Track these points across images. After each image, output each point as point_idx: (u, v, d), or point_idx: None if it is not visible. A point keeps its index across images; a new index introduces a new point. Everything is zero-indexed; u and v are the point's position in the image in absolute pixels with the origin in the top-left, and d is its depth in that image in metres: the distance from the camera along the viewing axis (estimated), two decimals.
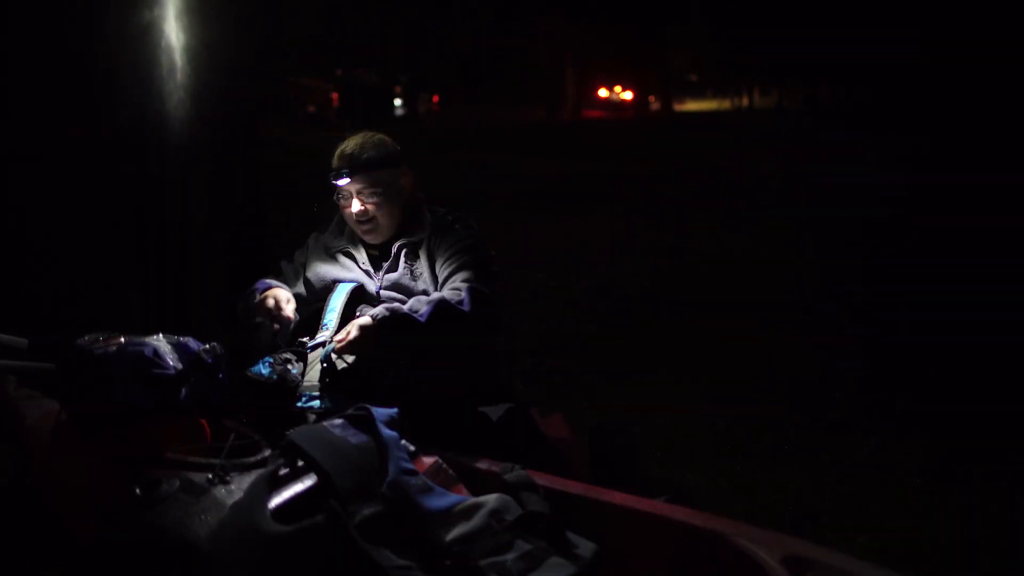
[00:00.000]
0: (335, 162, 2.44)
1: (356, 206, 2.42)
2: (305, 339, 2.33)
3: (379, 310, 2.26)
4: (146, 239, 3.57)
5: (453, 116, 27.24)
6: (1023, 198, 7.51)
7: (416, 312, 2.25)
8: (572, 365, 4.14)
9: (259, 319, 2.32)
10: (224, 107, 3.50)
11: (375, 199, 2.42)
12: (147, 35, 3.30)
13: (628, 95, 38.04)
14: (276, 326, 2.32)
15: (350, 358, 2.22)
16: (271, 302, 2.32)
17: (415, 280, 2.44)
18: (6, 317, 2.98)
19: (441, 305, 2.24)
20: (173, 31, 3.32)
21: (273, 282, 2.49)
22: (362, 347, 2.18)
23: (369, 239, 2.49)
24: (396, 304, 2.31)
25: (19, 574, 2.22)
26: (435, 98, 29.43)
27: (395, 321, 2.22)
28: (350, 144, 2.45)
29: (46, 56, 3.47)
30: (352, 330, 2.18)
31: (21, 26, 3.47)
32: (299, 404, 2.14)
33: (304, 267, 2.58)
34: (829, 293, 5.31)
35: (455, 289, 2.32)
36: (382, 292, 2.44)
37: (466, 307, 2.26)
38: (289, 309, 2.34)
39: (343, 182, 2.41)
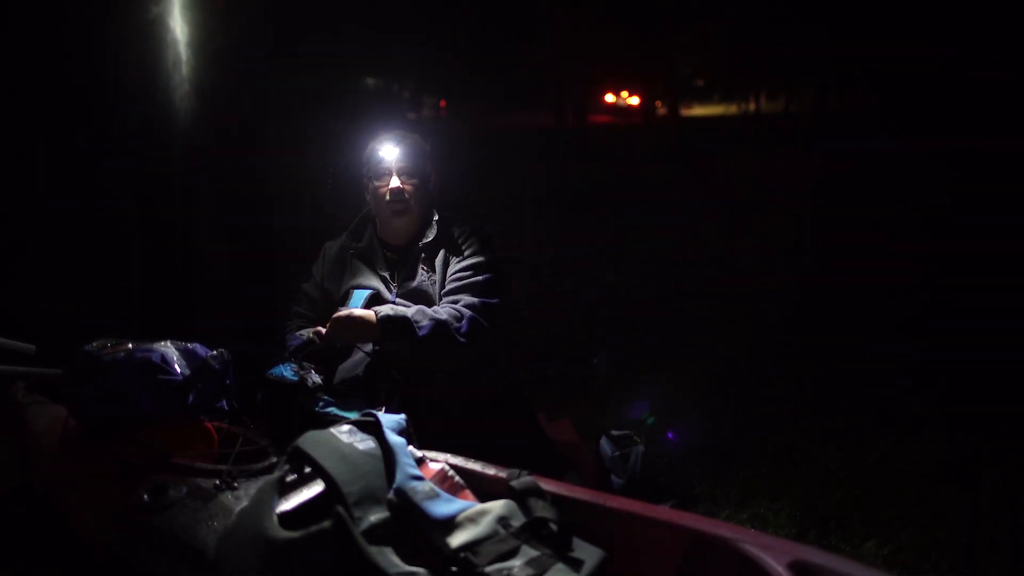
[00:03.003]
0: (378, 143, 2.52)
1: (395, 182, 2.47)
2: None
3: (384, 308, 2.28)
4: (151, 243, 3.57)
5: (460, 121, 27.27)
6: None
7: (418, 324, 2.26)
8: (579, 371, 4.13)
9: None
10: (230, 107, 3.51)
11: (414, 181, 2.49)
12: (151, 35, 3.30)
13: (635, 100, 38.07)
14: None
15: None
16: (311, 335, 2.36)
17: (431, 288, 2.45)
18: (14, 323, 2.99)
19: (442, 327, 2.26)
20: (178, 26, 3.32)
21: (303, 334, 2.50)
22: (350, 334, 2.25)
23: (396, 222, 2.51)
24: (401, 307, 2.32)
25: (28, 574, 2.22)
26: (442, 103, 29.50)
27: (395, 322, 2.24)
28: (395, 131, 2.55)
29: (50, 56, 3.48)
30: (347, 314, 2.25)
31: (25, 26, 3.48)
32: (316, 408, 2.15)
33: (323, 279, 2.60)
34: (836, 298, 5.29)
35: (457, 313, 2.32)
36: (398, 300, 2.45)
37: (463, 337, 2.28)
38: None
39: (392, 153, 2.48)
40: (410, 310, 2.31)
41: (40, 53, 3.47)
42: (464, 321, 2.29)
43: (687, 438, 3.18)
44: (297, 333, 2.50)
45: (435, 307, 2.37)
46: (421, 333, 2.23)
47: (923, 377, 3.87)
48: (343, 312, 2.27)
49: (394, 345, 2.26)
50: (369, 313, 2.26)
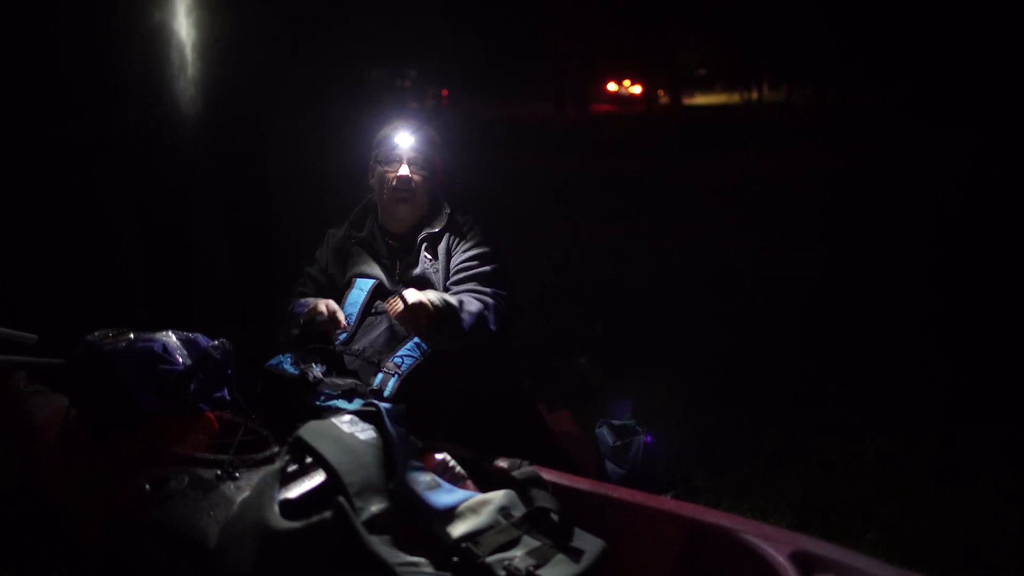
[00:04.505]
0: (393, 130, 2.51)
1: (404, 170, 2.48)
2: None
3: (435, 296, 2.22)
4: (151, 238, 3.57)
5: (462, 110, 27.19)
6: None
7: (462, 312, 2.24)
8: (579, 364, 4.13)
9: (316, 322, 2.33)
10: (229, 106, 3.50)
11: (424, 171, 2.50)
12: (156, 34, 3.30)
13: (637, 89, 37.97)
14: (337, 331, 2.34)
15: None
16: (323, 308, 2.32)
17: (434, 276, 2.45)
18: (16, 312, 2.99)
19: (482, 317, 2.25)
20: (183, 28, 3.32)
21: (312, 300, 2.47)
22: (413, 321, 2.17)
23: (399, 210, 2.51)
24: (448, 296, 2.27)
25: (28, 573, 2.22)
26: (444, 92, 29.38)
27: (447, 312, 2.21)
28: (411, 121, 2.54)
29: (54, 55, 3.47)
30: (409, 298, 2.15)
31: (28, 26, 3.47)
32: (317, 402, 2.11)
33: (327, 264, 2.60)
34: (836, 293, 5.28)
35: (482, 302, 2.31)
36: (399, 289, 2.44)
37: (492, 325, 2.28)
38: (342, 315, 2.35)
39: (406, 142, 2.49)
40: (453, 299, 2.27)
41: (39, 50, 3.46)
42: (491, 312, 2.29)
43: (668, 441, 3.16)
44: (302, 301, 2.47)
45: (460, 296, 2.32)
46: (465, 325, 2.22)
47: (924, 372, 3.87)
48: (414, 296, 2.18)
49: (440, 333, 2.22)
50: (422, 296, 2.19)
